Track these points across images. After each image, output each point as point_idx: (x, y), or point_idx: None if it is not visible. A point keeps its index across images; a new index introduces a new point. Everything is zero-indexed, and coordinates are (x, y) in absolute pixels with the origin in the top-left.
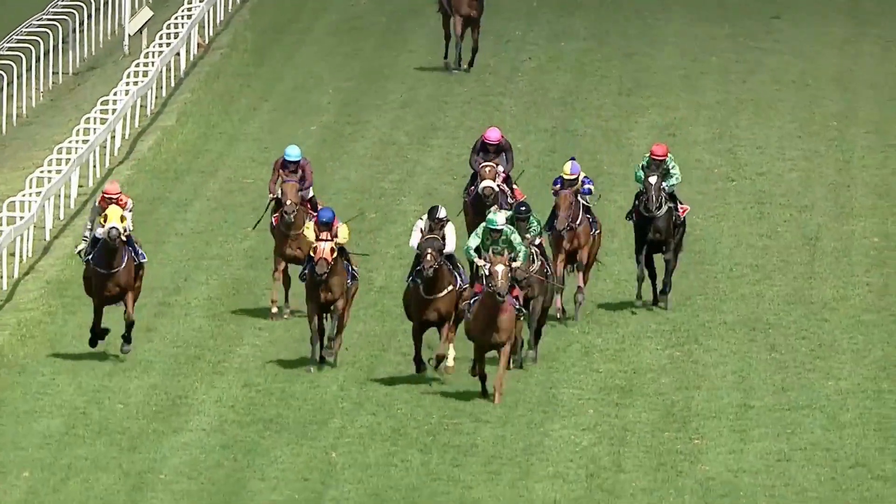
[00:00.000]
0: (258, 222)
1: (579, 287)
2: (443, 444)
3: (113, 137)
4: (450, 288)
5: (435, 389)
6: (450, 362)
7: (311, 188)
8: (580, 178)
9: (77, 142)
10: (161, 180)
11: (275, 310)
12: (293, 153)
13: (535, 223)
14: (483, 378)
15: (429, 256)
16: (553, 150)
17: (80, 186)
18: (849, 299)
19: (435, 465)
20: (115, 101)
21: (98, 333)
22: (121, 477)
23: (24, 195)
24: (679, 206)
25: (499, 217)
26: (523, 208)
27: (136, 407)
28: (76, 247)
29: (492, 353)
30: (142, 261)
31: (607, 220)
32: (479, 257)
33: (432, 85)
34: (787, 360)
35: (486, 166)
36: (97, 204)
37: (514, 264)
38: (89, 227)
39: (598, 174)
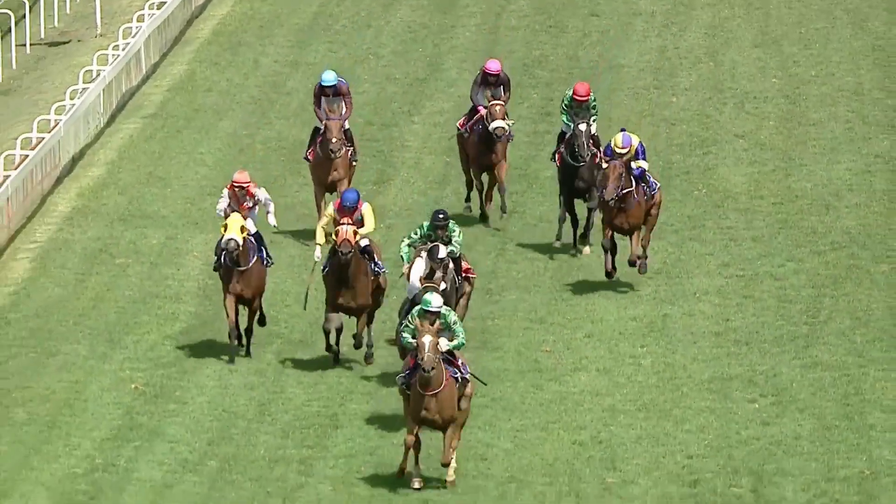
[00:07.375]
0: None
1: (637, 256)
2: None
3: None
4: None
5: None
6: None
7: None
8: (634, 150)
9: None
10: None
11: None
12: (329, 78)
13: (456, 232)
14: (416, 448)
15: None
16: None
17: None
18: None
19: None
20: None
21: (237, 335)
22: None
23: None
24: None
25: (434, 298)
26: (441, 215)
27: None
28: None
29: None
30: (269, 263)
31: None
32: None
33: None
34: None
35: (497, 105)
36: (226, 190)
37: (445, 343)
38: (221, 214)
39: None
